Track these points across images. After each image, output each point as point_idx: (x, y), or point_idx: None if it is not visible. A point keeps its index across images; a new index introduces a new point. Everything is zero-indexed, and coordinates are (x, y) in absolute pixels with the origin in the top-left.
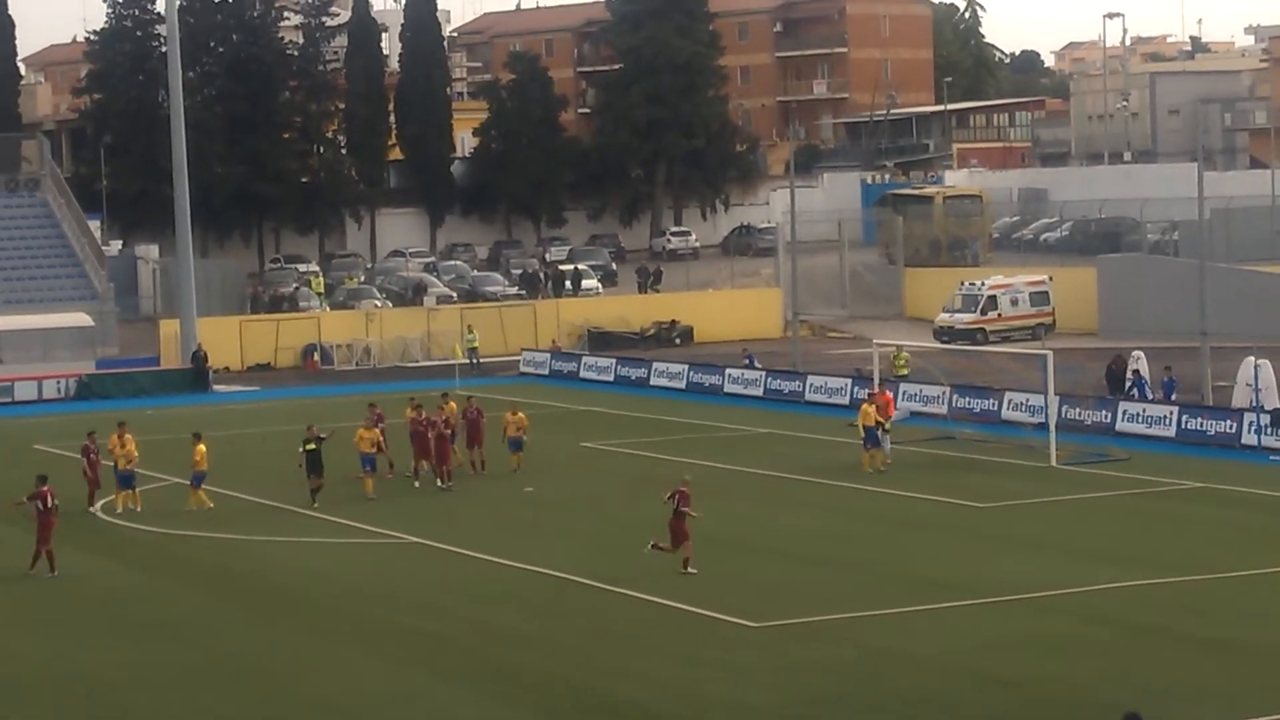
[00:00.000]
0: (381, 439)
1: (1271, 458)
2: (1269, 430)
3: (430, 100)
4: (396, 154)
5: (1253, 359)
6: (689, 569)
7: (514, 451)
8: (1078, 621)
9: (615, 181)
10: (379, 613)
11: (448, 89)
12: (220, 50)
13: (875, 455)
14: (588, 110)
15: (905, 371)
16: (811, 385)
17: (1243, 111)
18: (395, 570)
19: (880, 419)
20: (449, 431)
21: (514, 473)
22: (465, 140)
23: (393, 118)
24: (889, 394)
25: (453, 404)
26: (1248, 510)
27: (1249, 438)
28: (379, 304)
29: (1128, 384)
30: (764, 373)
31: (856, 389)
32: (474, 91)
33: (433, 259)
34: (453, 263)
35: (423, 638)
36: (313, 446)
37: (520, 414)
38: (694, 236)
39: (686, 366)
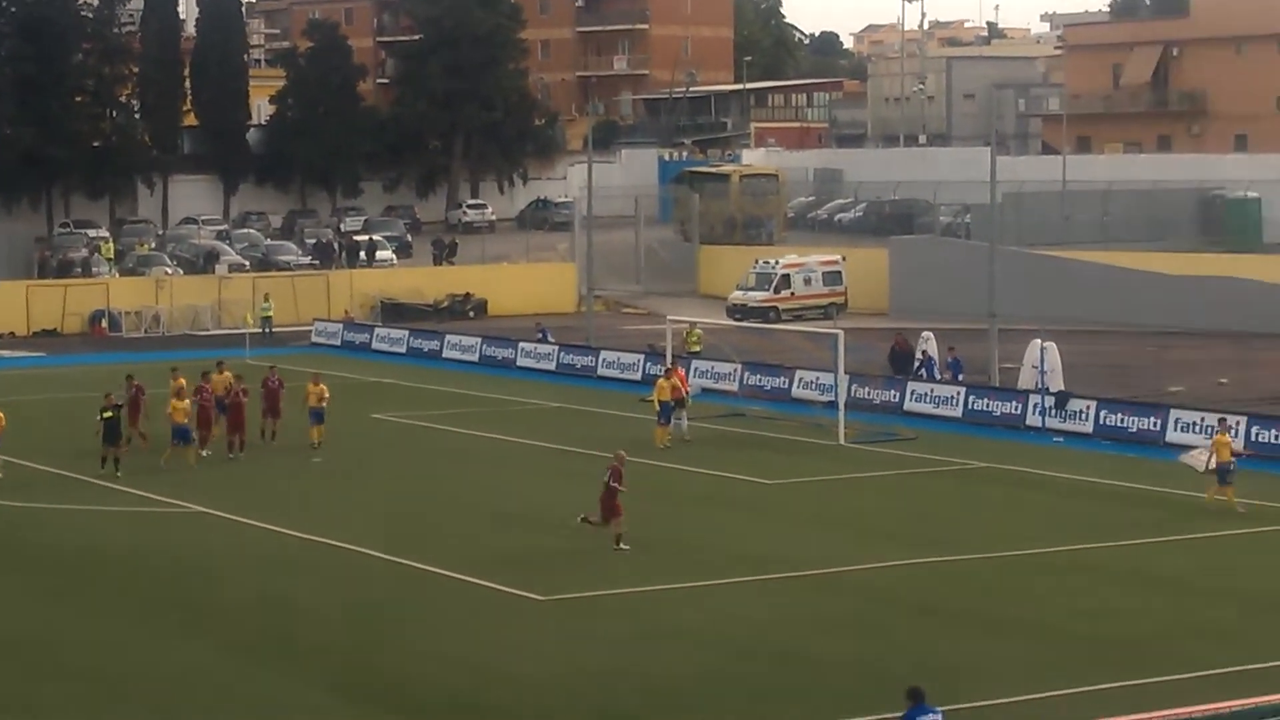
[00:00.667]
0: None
1: (1055, 439)
2: (1053, 412)
3: (226, 66)
4: (191, 120)
5: (1039, 341)
6: (622, 545)
7: (315, 424)
8: (864, 599)
9: (412, 153)
10: (162, 584)
11: (245, 55)
12: (11, 10)
13: (668, 431)
14: (386, 80)
15: (697, 348)
16: (604, 360)
17: (1036, 97)
18: (180, 540)
19: (682, 394)
20: (244, 400)
21: (314, 445)
22: (262, 108)
23: (188, 83)
24: (682, 370)
25: (225, 375)
26: (1031, 490)
27: (1034, 419)
28: (170, 271)
29: (916, 364)
30: (557, 347)
31: (649, 365)
32: (271, 59)
33: (225, 227)
34: (246, 231)
35: (206, 610)
36: (110, 414)
37: (322, 384)
38: (490, 210)
39: (480, 339)
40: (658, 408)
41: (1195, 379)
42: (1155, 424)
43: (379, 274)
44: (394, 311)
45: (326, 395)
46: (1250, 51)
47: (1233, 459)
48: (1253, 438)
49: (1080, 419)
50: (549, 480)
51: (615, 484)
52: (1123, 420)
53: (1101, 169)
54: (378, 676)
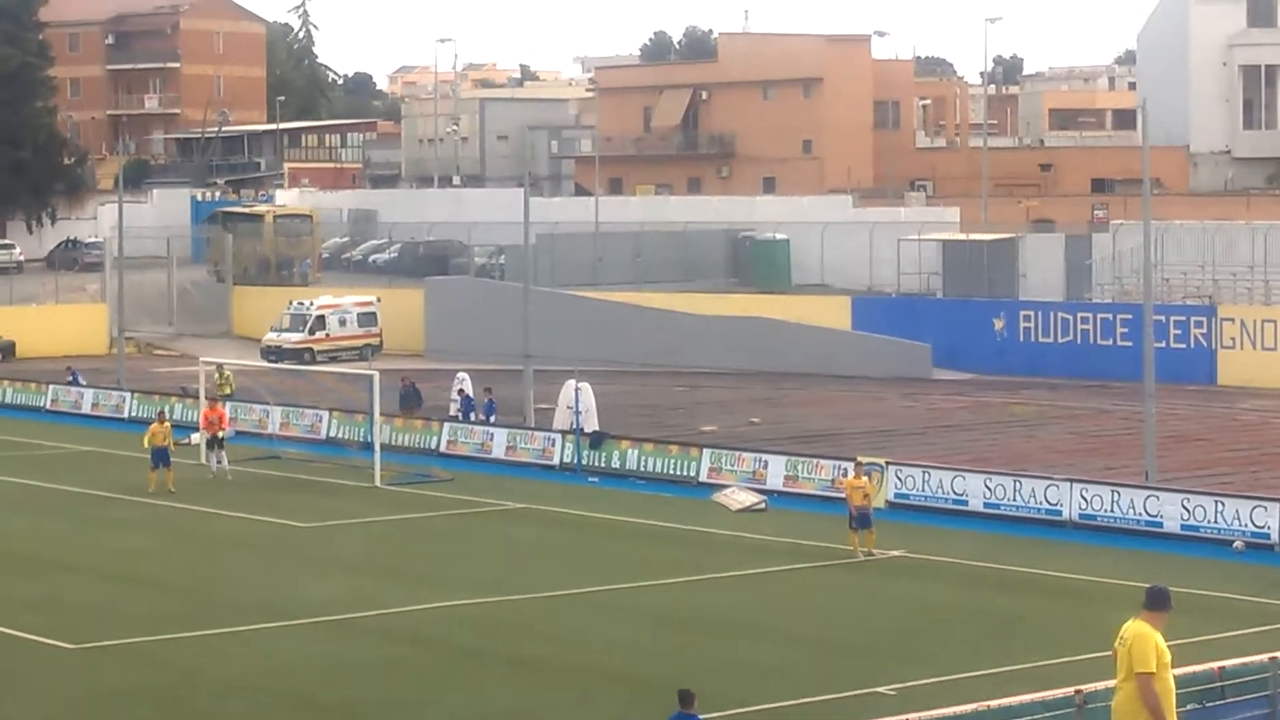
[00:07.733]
0: None
1: (589, 479)
2: (588, 453)
3: None
4: None
5: (574, 381)
6: None
7: None
8: (397, 642)
9: None
10: None
11: None
12: None
13: (167, 475)
14: None
15: (229, 390)
16: (136, 403)
17: (569, 139)
18: None
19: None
20: None
21: None
22: None
23: None
24: (221, 409)
25: None
26: (566, 530)
27: (569, 458)
28: None
29: (453, 404)
30: (88, 389)
31: (180, 407)
32: None
33: None
34: None
35: None
36: None
37: None
38: (19, 250)
39: (7, 383)
40: (150, 453)
41: (727, 418)
42: (690, 464)
43: None
44: None
45: None
46: (776, 95)
47: (867, 502)
48: (788, 472)
49: (615, 460)
50: (76, 525)
51: None
52: (658, 461)
53: (634, 210)
54: None
